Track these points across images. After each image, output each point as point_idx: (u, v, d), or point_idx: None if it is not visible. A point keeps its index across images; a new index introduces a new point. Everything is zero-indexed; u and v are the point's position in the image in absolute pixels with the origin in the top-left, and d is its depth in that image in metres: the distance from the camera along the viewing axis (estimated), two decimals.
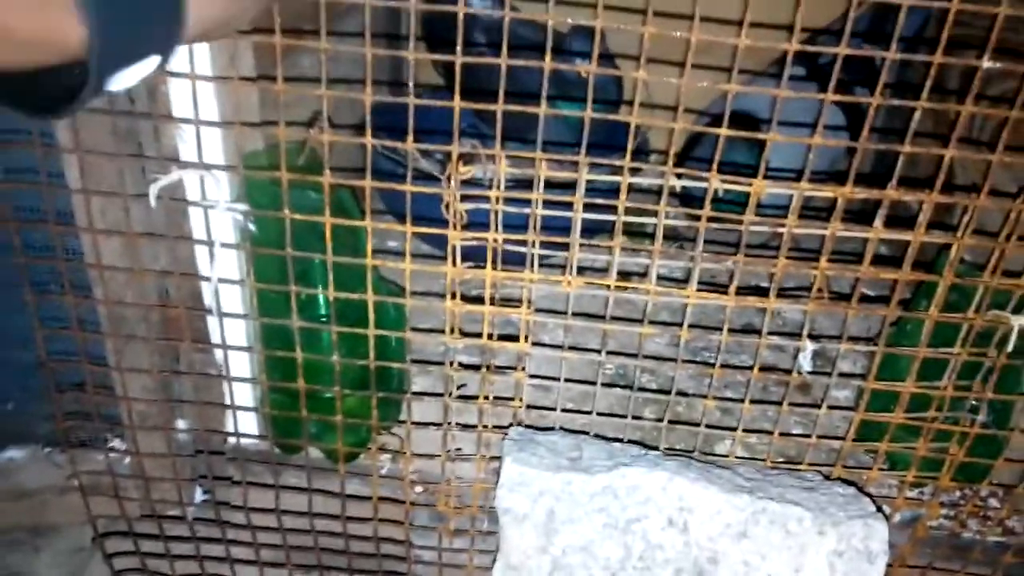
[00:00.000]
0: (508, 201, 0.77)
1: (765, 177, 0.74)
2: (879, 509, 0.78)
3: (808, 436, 0.88)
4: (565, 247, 0.78)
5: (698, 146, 1.58)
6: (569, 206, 0.76)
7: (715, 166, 0.73)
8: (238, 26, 0.43)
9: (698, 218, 0.75)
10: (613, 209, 0.76)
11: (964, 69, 0.68)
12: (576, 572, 0.77)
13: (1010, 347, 0.78)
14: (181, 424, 0.94)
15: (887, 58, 0.67)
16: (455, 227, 0.77)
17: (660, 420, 0.87)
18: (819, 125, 0.70)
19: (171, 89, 0.77)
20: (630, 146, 0.73)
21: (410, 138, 0.72)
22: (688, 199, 1.43)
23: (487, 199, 0.76)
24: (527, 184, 0.77)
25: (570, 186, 0.76)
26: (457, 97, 0.70)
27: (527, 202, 0.76)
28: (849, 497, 0.78)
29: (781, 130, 0.72)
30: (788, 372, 0.84)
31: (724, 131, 0.71)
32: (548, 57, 0.69)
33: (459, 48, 0.67)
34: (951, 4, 0.64)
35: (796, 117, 1.01)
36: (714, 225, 0.77)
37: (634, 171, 0.74)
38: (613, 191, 0.75)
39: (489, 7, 1.49)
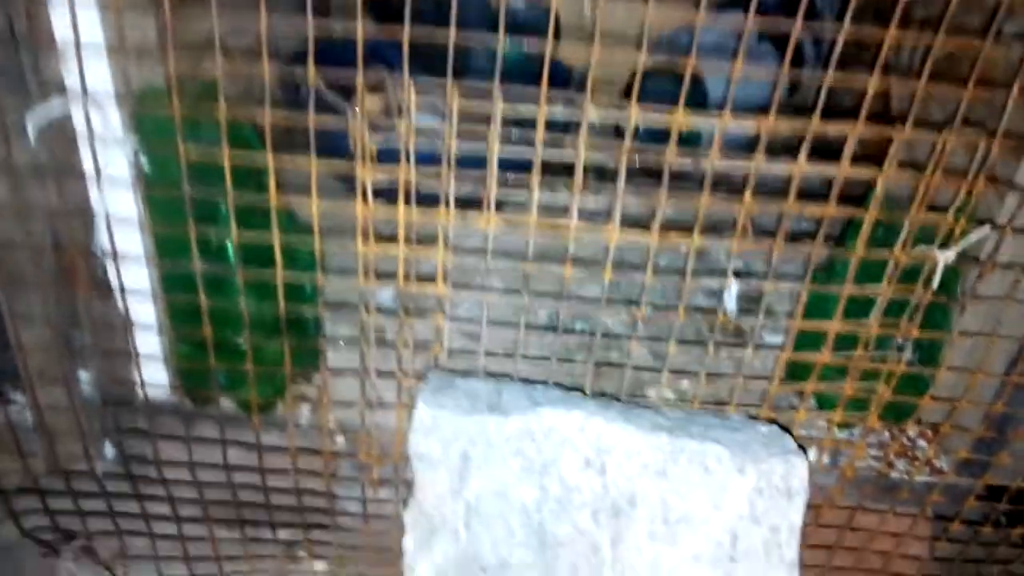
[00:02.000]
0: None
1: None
2: (800, 447, 0.76)
3: (735, 377, 0.87)
4: (483, 184, 0.75)
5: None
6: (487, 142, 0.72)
7: (634, 99, 0.69)
8: None
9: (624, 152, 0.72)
10: (533, 143, 0.73)
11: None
12: (491, 516, 0.75)
13: (936, 283, 0.77)
14: (84, 376, 0.89)
15: None
16: (364, 162, 0.73)
17: (586, 363, 0.85)
18: (740, 53, 0.67)
19: (53, 14, 0.70)
20: (545, 75, 0.69)
21: (310, 67, 0.67)
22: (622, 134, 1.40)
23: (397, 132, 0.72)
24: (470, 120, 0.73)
25: (511, 122, 0.72)
26: (360, 23, 0.66)
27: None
28: (771, 435, 0.77)
29: (716, 60, 0.68)
30: (725, 313, 0.82)
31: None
32: None
33: None
34: None
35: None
36: (638, 160, 0.74)
37: (554, 103, 0.71)
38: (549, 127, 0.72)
39: None
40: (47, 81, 0.73)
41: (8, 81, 0.72)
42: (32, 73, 0.72)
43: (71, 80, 0.71)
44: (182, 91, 0.69)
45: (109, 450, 0.94)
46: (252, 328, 0.80)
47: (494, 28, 0.68)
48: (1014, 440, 0.86)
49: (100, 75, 0.72)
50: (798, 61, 1.44)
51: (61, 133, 0.72)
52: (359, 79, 0.69)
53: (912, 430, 0.98)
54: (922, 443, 0.98)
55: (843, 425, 0.96)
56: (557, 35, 1.52)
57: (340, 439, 0.92)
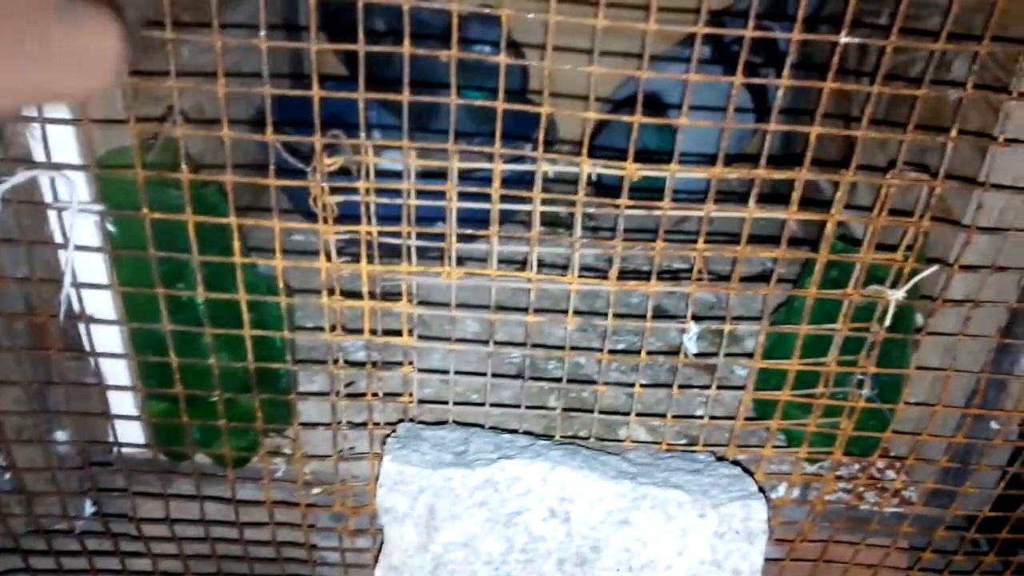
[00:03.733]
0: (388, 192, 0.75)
1: (680, 161, 0.72)
2: (761, 489, 0.78)
3: (701, 417, 0.88)
4: (443, 238, 0.77)
5: (603, 132, 1.57)
6: (442, 197, 0.74)
7: (584, 151, 0.72)
8: None
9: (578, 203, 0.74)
10: (489, 198, 0.75)
11: (861, 48, 0.67)
12: (458, 569, 0.76)
13: (888, 321, 0.78)
14: (60, 435, 0.90)
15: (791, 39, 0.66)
16: (325, 221, 0.75)
17: (553, 409, 0.87)
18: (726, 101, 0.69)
19: None
20: (498, 131, 0.71)
21: (269, 130, 0.69)
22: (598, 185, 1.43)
23: (357, 191, 0.74)
24: (432, 176, 0.75)
25: (470, 177, 0.74)
26: (316, 87, 0.68)
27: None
28: (732, 478, 0.78)
29: (690, 114, 0.70)
30: (682, 355, 0.83)
31: (634, 119, 0.70)
32: (455, 47, 0.67)
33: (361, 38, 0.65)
34: None
35: (703, 99, 1.01)
36: (591, 210, 0.76)
37: (508, 159, 0.73)
38: (515, 181, 0.74)
39: None
40: (13, 152, 0.75)
41: None
42: None
43: (37, 151, 0.73)
44: (145, 155, 0.71)
45: (88, 508, 0.95)
46: (224, 384, 0.82)
47: (465, 72, 0.69)
48: (976, 472, 0.87)
49: (66, 144, 0.74)
50: (764, 103, 1.47)
51: (29, 202, 0.74)
52: (316, 142, 0.71)
53: (881, 462, 0.99)
54: (891, 474, 0.99)
55: (812, 460, 0.97)
56: (525, 80, 1.55)
57: (316, 490, 0.93)
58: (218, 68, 0.66)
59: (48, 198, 0.74)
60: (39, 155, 0.73)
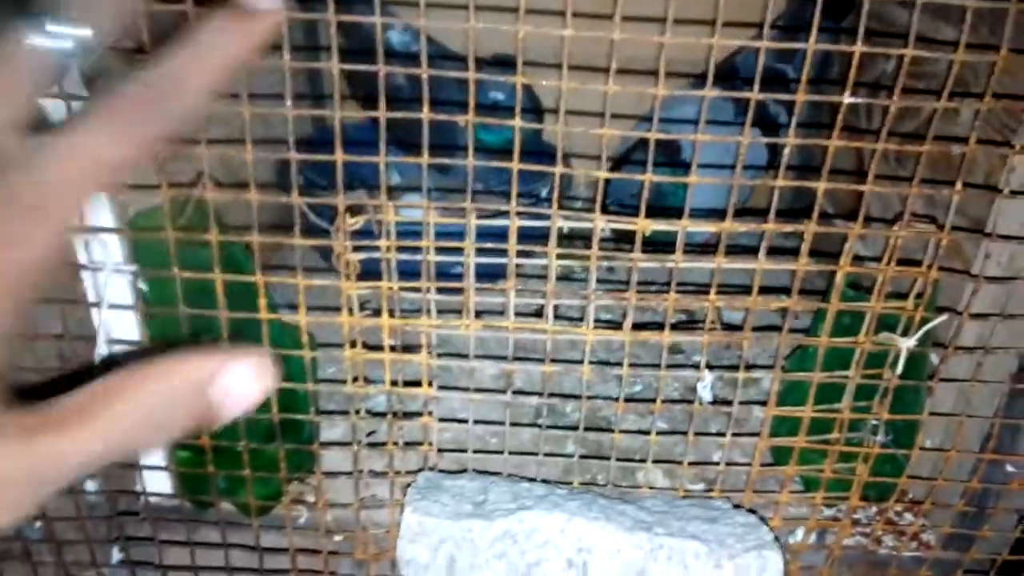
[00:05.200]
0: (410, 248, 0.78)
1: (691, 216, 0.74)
2: (776, 538, 0.79)
3: (717, 463, 0.89)
4: (464, 291, 0.79)
5: (623, 168, 1.61)
6: (462, 252, 0.77)
7: (598, 207, 0.74)
8: None
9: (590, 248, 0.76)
10: (506, 252, 0.77)
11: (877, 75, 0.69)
12: None
13: (899, 369, 0.80)
14: (90, 485, 0.93)
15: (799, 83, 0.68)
16: (348, 278, 0.78)
17: (571, 456, 0.88)
18: (738, 136, 0.71)
19: None
20: (514, 190, 0.74)
21: (295, 193, 0.72)
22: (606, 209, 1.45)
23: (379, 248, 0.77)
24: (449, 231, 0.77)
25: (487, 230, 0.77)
26: (339, 152, 0.71)
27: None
28: (748, 527, 0.79)
29: (703, 152, 0.72)
30: (701, 403, 0.85)
31: (645, 177, 0.72)
32: (472, 99, 0.69)
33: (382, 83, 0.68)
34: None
35: (715, 131, 1.03)
36: (605, 263, 0.78)
37: (523, 215, 0.75)
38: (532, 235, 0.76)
39: (408, 41, 1.51)
40: None
41: None
42: None
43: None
44: (177, 218, 0.74)
45: (116, 556, 0.97)
46: (249, 434, 0.84)
47: (480, 113, 0.72)
48: (993, 515, 0.88)
49: (100, 206, 0.77)
50: (776, 127, 1.49)
51: (66, 264, 0.77)
52: (340, 203, 0.74)
53: (898, 506, 1.00)
54: (909, 517, 0.99)
55: (829, 504, 0.97)
56: (540, 117, 1.58)
57: (338, 538, 0.94)
58: (246, 136, 0.69)
59: (83, 258, 0.77)
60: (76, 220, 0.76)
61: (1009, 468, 0.90)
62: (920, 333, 0.77)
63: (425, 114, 0.70)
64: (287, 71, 0.68)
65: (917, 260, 0.76)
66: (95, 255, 0.76)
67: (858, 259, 0.78)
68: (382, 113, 0.70)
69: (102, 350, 0.79)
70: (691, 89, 1.59)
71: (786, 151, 0.70)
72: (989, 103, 0.67)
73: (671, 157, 1.47)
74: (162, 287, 0.79)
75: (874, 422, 0.85)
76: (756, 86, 0.67)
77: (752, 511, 0.84)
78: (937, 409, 0.89)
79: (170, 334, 0.81)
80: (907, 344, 0.78)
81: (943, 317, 0.77)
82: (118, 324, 0.80)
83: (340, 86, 0.69)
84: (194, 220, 0.78)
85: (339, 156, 0.71)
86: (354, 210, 0.76)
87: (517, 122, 0.70)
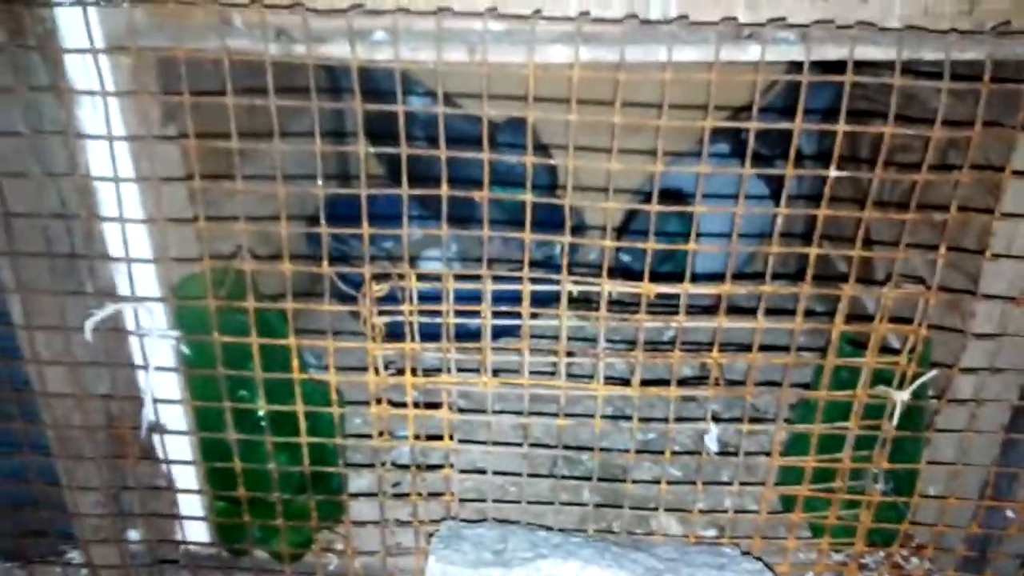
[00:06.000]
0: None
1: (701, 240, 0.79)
2: None
3: (726, 512, 0.93)
4: (479, 349, 0.85)
5: (635, 220, 1.67)
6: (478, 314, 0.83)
7: (604, 272, 0.79)
8: None
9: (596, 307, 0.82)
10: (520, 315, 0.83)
11: (873, 139, 0.72)
12: None
13: (896, 419, 0.84)
14: (133, 535, 0.98)
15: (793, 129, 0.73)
16: (374, 340, 0.83)
17: (586, 504, 0.93)
18: (741, 196, 0.75)
19: (105, 229, 0.83)
20: (526, 257, 0.80)
21: (325, 264, 0.78)
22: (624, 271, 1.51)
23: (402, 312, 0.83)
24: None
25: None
26: (365, 226, 0.77)
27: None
28: (754, 573, 0.83)
29: (708, 202, 0.77)
30: (708, 453, 0.89)
31: (654, 208, 0.78)
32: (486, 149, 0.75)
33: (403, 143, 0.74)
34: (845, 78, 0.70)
35: (722, 191, 1.08)
36: (613, 323, 0.83)
37: (536, 280, 0.81)
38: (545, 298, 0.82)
39: (429, 104, 1.58)
40: (102, 286, 0.85)
41: (69, 287, 0.84)
42: (89, 280, 0.84)
43: (122, 285, 0.83)
44: (218, 288, 0.80)
45: None
46: (282, 486, 0.89)
47: (495, 181, 0.77)
48: (995, 559, 0.91)
49: (147, 280, 0.83)
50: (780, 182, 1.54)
51: (114, 329, 0.83)
52: (367, 272, 0.80)
53: (904, 550, 1.03)
54: (915, 561, 1.02)
55: (836, 550, 1.01)
56: (554, 176, 1.65)
57: None
58: (281, 214, 0.76)
59: (130, 325, 0.84)
60: (123, 287, 0.83)
61: (1008, 514, 0.93)
62: (913, 387, 0.81)
63: (444, 191, 0.76)
64: (318, 154, 0.74)
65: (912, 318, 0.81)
66: (141, 321, 0.82)
67: (863, 317, 0.82)
68: (404, 189, 0.76)
69: (148, 410, 0.85)
70: (697, 145, 1.66)
71: (778, 220, 0.76)
72: (968, 175, 0.72)
73: (680, 203, 1.53)
74: (201, 347, 0.85)
75: (875, 471, 0.89)
76: (747, 162, 0.73)
77: (759, 559, 0.88)
78: (938, 458, 0.93)
79: (207, 393, 0.87)
80: (901, 397, 0.82)
81: (933, 372, 0.81)
82: (159, 383, 0.87)
83: (364, 147, 0.75)
84: (232, 289, 0.85)
85: (365, 230, 0.77)
86: (379, 278, 0.82)
87: (528, 197, 0.76)
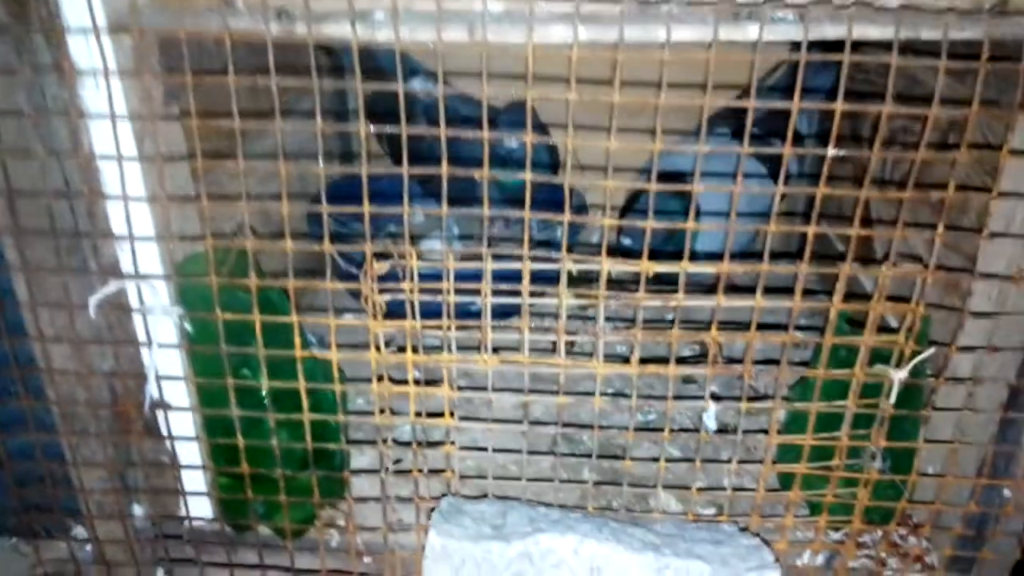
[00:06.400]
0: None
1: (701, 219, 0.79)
2: (777, 560, 0.83)
3: (724, 489, 0.94)
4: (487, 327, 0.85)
5: (639, 201, 1.67)
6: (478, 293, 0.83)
7: (604, 251, 0.80)
8: None
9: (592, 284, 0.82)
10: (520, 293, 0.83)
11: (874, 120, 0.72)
12: None
13: (893, 399, 0.84)
14: (138, 510, 1.00)
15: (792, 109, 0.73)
16: (375, 318, 0.84)
17: (585, 482, 0.94)
18: (739, 175, 0.76)
19: (108, 208, 0.84)
20: (526, 237, 0.80)
21: (326, 242, 0.79)
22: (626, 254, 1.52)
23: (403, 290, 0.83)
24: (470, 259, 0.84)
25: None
26: (367, 206, 0.78)
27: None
28: (751, 548, 0.84)
29: (708, 182, 0.78)
30: (707, 432, 0.90)
31: (653, 187, 0.78)
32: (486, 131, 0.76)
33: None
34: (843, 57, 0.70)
35: (724, 172, 1.08)
36: (613, 301, 0.84)
37: (536, 259, 0.82)
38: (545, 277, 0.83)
39: (430, 88, 1.58)
40: (105, 264, 0.85)
41: (72, 265, 0.85)
42: (92, 258, 0.85)
43: (125, 263, 0.84)
44: (221, 266, 0.81)
45: None
46: (284, 463, 0.91)
47: (497, 165, 0.78)
48: (993, 537, 0.92)
49: (150, 257, 0.84)
50: (786, 176, 1.54)
51: (117, 306, 0.84)
52: (368, 250, 0.81)
53: (901, 529, 1.04)
54: (912, 540, 1.03)
55: (834, 527, 1.02)
56: (555, 156, 1.65)
57: (367, 559, 1.00)
58: (282, 193, 0.76)
59: (134, 302, 0.84)
60: (126, 265, 0.84)
61: (1005, 492, 0.94)
62: (911, 365, 0.82)
63: (444, 170, 0.76)
64: (319, 133, 0.75)
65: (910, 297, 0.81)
66: (145, 298, 0.83)
67: (864, 296, 0.83)
68: (405, 170, 0.76)
69: (152, 386, 0.86)
70: (697, 126, 1.66)
71: (776, 200, 0.76)
72: (964, 154, 0.72)
73: (684, 198, 1.53)
74: (204, 325, 0.86)
75: (872, 449, 0.90)
76: (746, 142, 0.73)
77: (757, 535, 0.88)
78: (935, 437, 0.94)
79: (210, 370, 0.88)
80: (899, 376, 0.83)
81: (930, 351, 0.82)
82: (165, 361, 0.88)
83: (365, 128, 0.76)
84: (235, 266, 0.85)
85: (367, 208, 0.78)
86: (380, 256, 0.83)
87: (528, 175, 0.76)
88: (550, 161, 1.66)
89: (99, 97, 0.78)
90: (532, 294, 0.83)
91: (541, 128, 1.57)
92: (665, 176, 1.36)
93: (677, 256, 0.82)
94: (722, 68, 0.70)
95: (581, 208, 1.65)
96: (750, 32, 0.72)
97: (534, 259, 0.82)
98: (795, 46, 0.77)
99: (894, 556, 1.02)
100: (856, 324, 0.96)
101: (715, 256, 0.86)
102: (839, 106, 0.71)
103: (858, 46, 0.71)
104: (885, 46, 0.72)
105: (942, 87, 0.70)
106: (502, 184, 1.43)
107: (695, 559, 0.81)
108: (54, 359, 0.87)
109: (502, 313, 0.86)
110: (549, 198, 0.91)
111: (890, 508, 0.94)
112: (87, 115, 0.80)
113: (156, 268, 0.85)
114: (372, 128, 0.76)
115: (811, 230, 0.78)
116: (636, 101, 0.72)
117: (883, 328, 0.84)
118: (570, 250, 0.82)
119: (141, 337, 0.88)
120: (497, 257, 0.82)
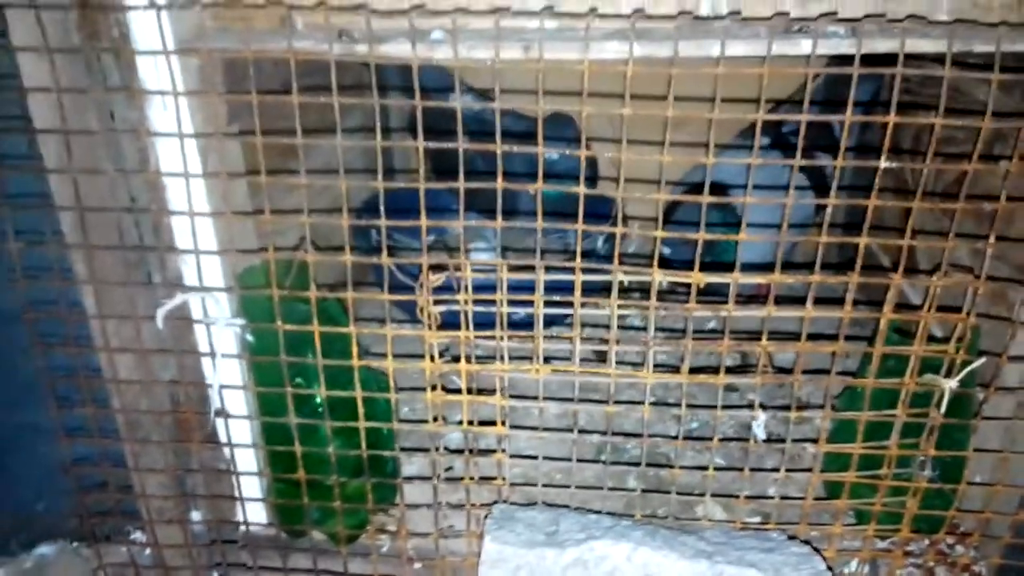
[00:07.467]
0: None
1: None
2: (829, 568, 0.84)
3: (772, 498, 0.95)
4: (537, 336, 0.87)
5: (677, 211, 1.68)
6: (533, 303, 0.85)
7: (656, 262, 0.81)
8: None
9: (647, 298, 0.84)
10: (571, 304, 0.85)
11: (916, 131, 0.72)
12: None
13: (944, 408, 0.85)
14: (196, 516, 1.03)
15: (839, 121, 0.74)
16: (430, 328, 0.86)
17: (633, 490, 0.95)
18: (791, 188, 0.77)
19: (173, 223, 0.87)
20: (578, 248, 0.82)
21: (384, 255, 0.81)
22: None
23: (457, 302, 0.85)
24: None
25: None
26: (423, 219, 0.80)
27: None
28: (802, 556, 0.85)
29: (750, 194, 0.79)
30: (752, 441, 0.91)
31: (696, 198, 0.80)
32: (540, 143, 0.78)
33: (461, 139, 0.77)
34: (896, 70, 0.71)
35: (762, 183, 1.09)
36: (663, 312, 0.85)
37: (587, 271, 0.83)
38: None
39: (471, 101, 1.61)
40: (170, 277, 0.88)
41: (138, 278, 0.88)
42: (157, 271, 0.88)
43: (189, 275, 0.87)
44: (282, 278, 0.84)
45: None
46: (338, 470, 0.93)
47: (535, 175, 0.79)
48: None
49: (213, 271, 0.87)
50: (824, 186, 1.54)
51: (182, 318, 0.87)
52: (424, 263, 0.83)
53: (950, 538, 1.04)
54: (960, 549, 1.03)
55: (882, 536, 1.02)
56: (595, 177, 1.67)
57: (418, 565, 1.02)
58: (343, 208, 0.78)
59: (196, 314, 0.87)
60: (190, 278, 0.87)
61: None
62: (962, 375, 0.82)
63: (499, 184, 0.78)
64: (378, 149, 0.77)
65: (961, 307, 0.82)
66: (209, 310, 0.86)
67: (910, 307, 0.83)
68: (461, 184, 0.78)
69: (214, 395, 0.88)
70: (737, 138, 1.67)
71: (827, 210, 0.77)
72: (1016, 165, 0.73)
73: (724, 210, 1.54)
74: (265, 335, 0.88)
75: (921, 458, 0.90)
76: (798, 154, 0.74)
77: (807, 542, 0.89)
78: (984, 446, 0.94)
79: (269, 380, 0.90)
80: (949, 385, 0.83)
81: (982, 360, 0.82)
82: (226, 370, 0.90)
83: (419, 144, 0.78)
84: (293, 279, 0.88)
85: (423, 222, 0.80)
86: (435, 268, 0.85)
87: (582, 189, 0.78)
88: (589, 174, 1.68)
89: (166, 116, 0.81)
90: (583, 304, 0.85)
91: (579, 141, 1.59)
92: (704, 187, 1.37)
93: (715, 266, 0.83)
94: (757, 81, 0.71)
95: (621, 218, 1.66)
96: (803, 47, 0.73)
97: (585, 270, 0.83)
98: (831, 59, 0.78)
99: (942, 565, 1.02)
100: (902, 333, 0.96)
101: (754, 267, 0.87)
102: (891, 118, 0.72)
103: (904, 58, 0.71)
104: (929, 58, 0.73)
105: (992, 98, 0.71)
106: (543, 196, 1.45)
107: (748, 567, 0.82)
108: (119, 369, 0.90)
109: (550, 323, 0.88)
110: (589, 210, 0.93)
111: (938, 517, 0.95)
112: (155, 133, 0.82)
113: (218, 281, 0.88)
114: (428, 144, 0.78)
115: (862, 241, 0.78)
116: (687, 115, 0.73)
117: (929, 338, 0.84)
118: (610, 260, 0.83)
119: (203, 347, 0.91)
120: (549, 268, 0.84)
